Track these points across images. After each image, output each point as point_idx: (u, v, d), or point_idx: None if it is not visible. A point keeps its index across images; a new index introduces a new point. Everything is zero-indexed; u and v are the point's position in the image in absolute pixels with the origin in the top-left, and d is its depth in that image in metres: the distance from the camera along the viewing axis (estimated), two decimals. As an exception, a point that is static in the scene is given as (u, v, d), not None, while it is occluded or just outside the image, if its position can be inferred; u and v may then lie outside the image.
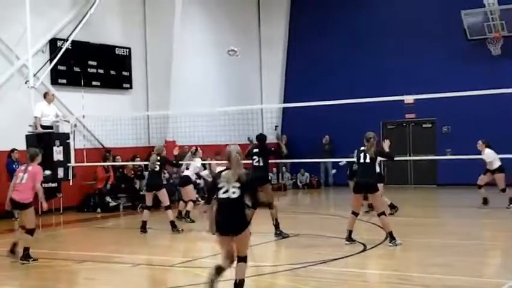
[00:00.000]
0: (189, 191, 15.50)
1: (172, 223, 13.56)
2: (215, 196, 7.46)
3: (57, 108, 17.20)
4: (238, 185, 7.32)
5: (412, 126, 24.08)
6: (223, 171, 7.49)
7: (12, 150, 16.79)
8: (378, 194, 11.29)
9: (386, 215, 11.20)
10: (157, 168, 13.69)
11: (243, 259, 7.42)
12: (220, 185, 7.37)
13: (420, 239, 11.77)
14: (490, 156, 15.80)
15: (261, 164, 12.44)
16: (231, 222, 7.37)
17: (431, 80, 21.70)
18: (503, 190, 15.96)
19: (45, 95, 16.75)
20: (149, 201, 13.82)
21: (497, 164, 15.90)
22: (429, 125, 23.72)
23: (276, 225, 12.34)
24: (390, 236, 10.90)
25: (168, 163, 14.46)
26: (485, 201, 16.08)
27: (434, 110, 21.60)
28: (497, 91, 13.72)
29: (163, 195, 13.72)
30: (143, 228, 13.48)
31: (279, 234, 12.30)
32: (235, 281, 7.37)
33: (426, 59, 23.20)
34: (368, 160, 11.13)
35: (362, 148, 11.27)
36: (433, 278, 8.63)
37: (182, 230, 13.58)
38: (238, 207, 7.37)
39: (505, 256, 10.53)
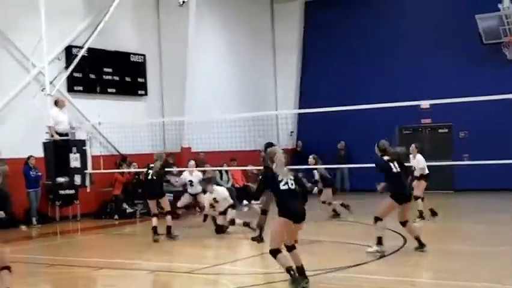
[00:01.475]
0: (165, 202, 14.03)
1: (168, 229, 13.58)
2: (275, 189, 8.57)
3: (72, 115, 17.31)
4: (293, 178, 8.64)
5: (428, 131, 23.98)
6: (267, 169, 9.43)
7: (29, 157, 16.92)
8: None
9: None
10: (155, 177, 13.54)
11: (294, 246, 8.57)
12: (279, 179, 8.53)
13: (436, 245, 11.69)
14: (421, 162, 15.14)
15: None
16: (302, 210, 8.58)
17: (447, 84, 21.59)
18: (419, 198, 15.00)
19: (56, 102, 16.81)
20: (154, 208, 13.74)
21: (426, 171, 15.23)
22: (446, 130, 23.60)
23: (261, 230, 12.56)
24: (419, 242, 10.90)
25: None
26: (421, 215, 15.10)
27: (450, 115, 21.51)
28: (513, 95, 13.60)
29: (165, 201, 13.75)
30: (156, 233, 13.43)
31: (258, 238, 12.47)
32: (297, 267, 8.43)
33: (441, 64, 23.09)
34: (399, 169, 10.98)
35: (387, 158, 10.99)
36: (447, 285, 8.58)
37: (177, 235, 13.58)
38: (298, 197, 8.68)
39: None
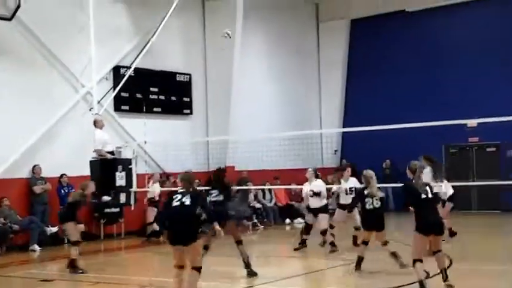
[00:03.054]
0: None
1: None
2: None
3: (116, 133, 17.55)
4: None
5: (475, 150, 23.58)
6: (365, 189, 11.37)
7: (61, 176, 17.21)
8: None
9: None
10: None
11: None
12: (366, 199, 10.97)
13: (476, 266, 11.43)
14: (448, 186, 14.31)
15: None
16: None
17: (495, 102, 21.24)
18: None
19: (95, 123, 16.71)
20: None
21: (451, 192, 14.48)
22: (494, 149, 23.19)
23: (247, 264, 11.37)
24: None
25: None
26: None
27: (498, 134, 21.12)
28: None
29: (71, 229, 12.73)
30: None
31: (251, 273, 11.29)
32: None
33: (490, 81, 22.74)
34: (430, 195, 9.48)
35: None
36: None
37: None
38: None
39: None
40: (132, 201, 16.87)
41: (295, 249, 14.22)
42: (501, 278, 10.53)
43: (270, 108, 23.73)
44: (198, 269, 8.59)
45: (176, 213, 8.60)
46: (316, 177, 14.36)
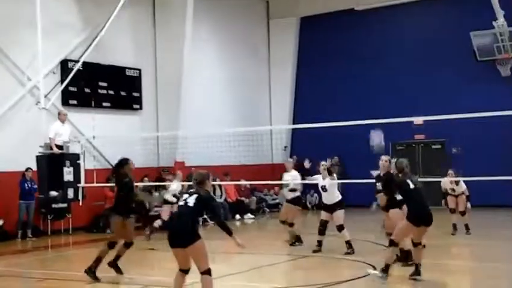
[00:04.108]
0: None
1: None
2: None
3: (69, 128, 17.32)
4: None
5: (421, 147, 24.05)
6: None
7: (27, 169, 16.97)
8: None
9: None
10: None
11: None
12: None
13: (430, 260, 11.68)
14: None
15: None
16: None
17: (441, 101, 21.70)
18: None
19: (58, 114, 16.77)
20: None
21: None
22: (439, 146, 23.68)
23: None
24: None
25: None
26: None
27: (443, 131, 21.55)
28: (507, 112, 13.65)
29: None
30: None
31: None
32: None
33: (436, 80, 23.21)
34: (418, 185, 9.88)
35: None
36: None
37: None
38: None
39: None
40: (80, 197, 16.66)
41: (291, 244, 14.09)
42: (450, 274, 10.77)
43: (220, 104, 23.75)
44: (207, 272, 7.92)
45: (178, 213, 8.25)
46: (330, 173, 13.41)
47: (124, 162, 11.34)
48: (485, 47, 22.20)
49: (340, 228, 13.02)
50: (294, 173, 14.58)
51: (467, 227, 15.58)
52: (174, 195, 16.81)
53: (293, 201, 14.37)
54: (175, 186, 17.06)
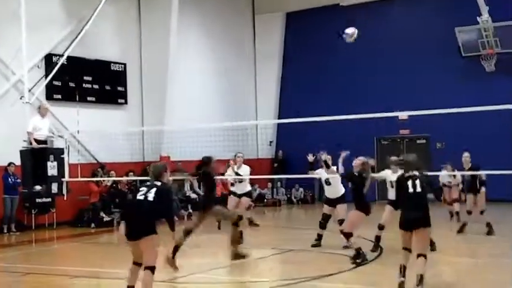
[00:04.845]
0: None
1: None
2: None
3: (51, 123, 17.20)
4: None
5: (406, 142, 24.16)
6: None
7: (9, 164, 16.86)
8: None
9: None
10: None
11: None
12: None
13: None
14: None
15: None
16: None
17: (426, 96, 21.77)
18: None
19: (38, 108, 16.66)
20: None
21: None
22: (424, 141, 23.80)
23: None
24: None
25: None
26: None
27: (428, 126, 21.66)
28: (490, 107, 13.74)
29: None
30: None
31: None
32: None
33: (421, 76, 23.30)
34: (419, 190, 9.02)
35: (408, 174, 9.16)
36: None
37: None
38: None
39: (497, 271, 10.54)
40: (64, 191, 16.60)
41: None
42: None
43: (206, 99, 23.72)
44: (151, 269, 7.92)
45: (137, 207, 8.10)
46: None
47: (208, 160, 11.72)
48: (470, 42, 22.34)
49: (342, 222, 12.36)
50: (246, 168, 14.60)
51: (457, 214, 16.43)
52: None
53: (246, 195, 14.61)
54: None
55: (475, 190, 14.77)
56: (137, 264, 8.14)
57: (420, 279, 8.59)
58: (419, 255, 8.77)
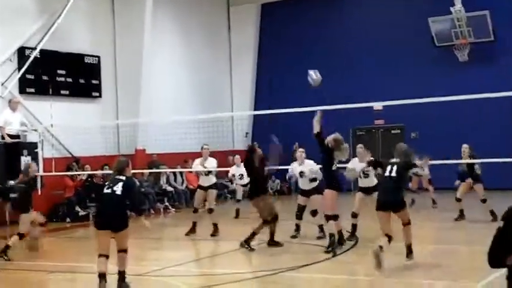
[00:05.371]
0: None
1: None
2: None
3: (23, 116, 17.04)
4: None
5: (381, 132, 24.30)
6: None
7: None
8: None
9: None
10: None
11: None
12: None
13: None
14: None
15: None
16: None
17: (400, 86, 21.93)
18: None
19: (9, 102, 16.51)
20: None
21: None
22: (398, 131, 23.96)
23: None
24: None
25: None
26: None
27: (402, 116, 21.80)
28: (464, 97, 13.89)
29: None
30: None
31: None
32: None
33: (395, 66, 23.45)
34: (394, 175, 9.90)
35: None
36: (402, 283, 8.71)
37: None
38: None
39: (471, 258, 10.65)
40: (39, 186, 16.46)
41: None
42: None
43: (181, 91, 23.64)
44: (125, 251, 8.73)
45: (107, 201, 8.64)
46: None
47: (250, 149, 12.97)
48: (443, 32, 22.49)
49: (314, 213, 12.91)
50: (212, 160, 14.62)
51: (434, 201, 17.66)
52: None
53: (212, 187, 14.59)
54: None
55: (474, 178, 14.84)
56: (104, 256, 8.55)
57: (410, 249, 9.75)
58: (404, 225, 9.84)
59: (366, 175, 12.68)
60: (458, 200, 15.09)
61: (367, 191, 12.58)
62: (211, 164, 14.52)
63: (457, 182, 15.48)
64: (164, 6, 22.78)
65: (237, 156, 17.95)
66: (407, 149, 10.37)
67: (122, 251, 8.73)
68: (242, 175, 16.79)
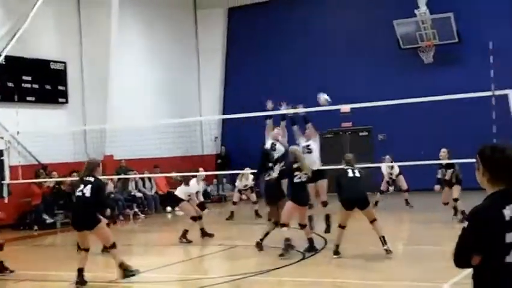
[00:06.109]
0: None
1: None
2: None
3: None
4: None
5: (349, 134, 24.45)
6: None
7: None
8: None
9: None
10: None
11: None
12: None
13: (357, 246, 11.95)
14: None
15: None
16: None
17: (367, 88, 22.07)
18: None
19: None
20: None
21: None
22: (366, 133, 24.13)
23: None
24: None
25: None
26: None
27: (370, 119, 21.95)
28: (429, 99, 14.07)
29: None
30: None
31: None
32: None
33: (361, 69, 23.60)
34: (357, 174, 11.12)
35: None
36: (370, 285, 8.79)
37: None
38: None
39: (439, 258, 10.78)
40: (5, 194, 16.30)
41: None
42: (375, 258, 11.01)
43: (149, 96, 23.52)
44: (112, 246, 9.54)
45: (79, 203, 9.53)
46: None
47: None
48: (408, 35, 22.70)
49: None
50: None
51: (407, 202, 17.94)
52: None
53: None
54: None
55: (450, 184, 14.72)
56: (84, 249, 9.47)
57: (384, 239, 10.60)
58: (371, 221, 10.72)
59: (309, 150, 13.39)
60: (446, 203, 14.99)
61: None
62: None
63: (437, 186, 15.21)
64: (130, 11, 22.68)
65: (201, 169, 17.21)
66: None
67: (111, 247, 9.50)
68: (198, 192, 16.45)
